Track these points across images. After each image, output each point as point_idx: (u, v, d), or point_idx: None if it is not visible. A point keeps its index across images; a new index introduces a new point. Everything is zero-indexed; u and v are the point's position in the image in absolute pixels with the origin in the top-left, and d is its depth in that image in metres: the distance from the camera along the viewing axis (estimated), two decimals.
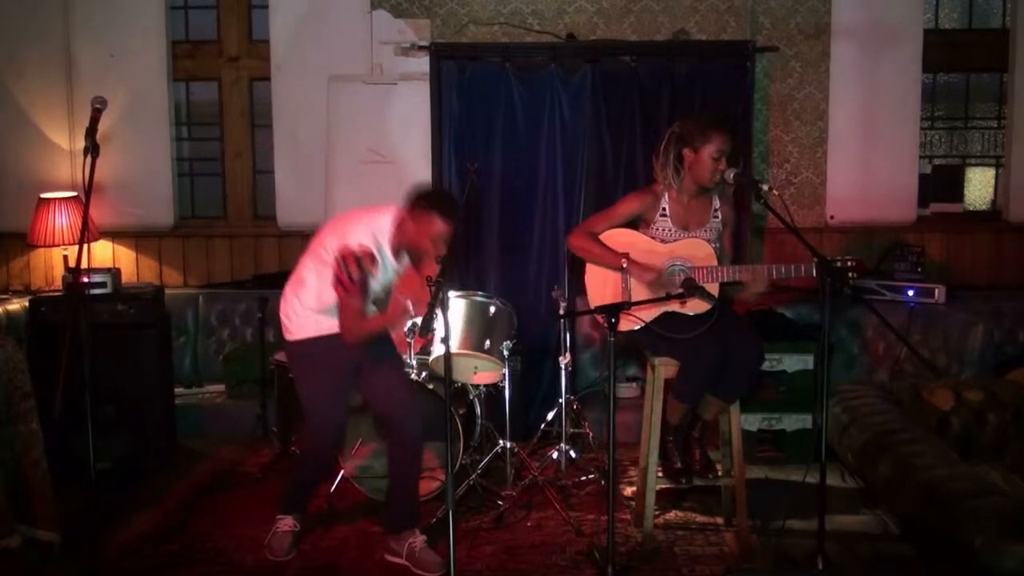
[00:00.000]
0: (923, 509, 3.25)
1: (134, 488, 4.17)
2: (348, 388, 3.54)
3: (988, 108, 5.75)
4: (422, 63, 5.12)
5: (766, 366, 4.22)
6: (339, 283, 3.27)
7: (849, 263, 3.16)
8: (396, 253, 3.38)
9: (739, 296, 3.54)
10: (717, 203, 3.60)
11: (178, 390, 4.99)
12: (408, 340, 4.10)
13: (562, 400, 4.26)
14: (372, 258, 3.28)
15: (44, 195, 5.08)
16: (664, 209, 3.54)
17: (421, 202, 3.29)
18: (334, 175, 5.24)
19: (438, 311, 3.01)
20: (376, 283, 3.36)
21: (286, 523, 3.58)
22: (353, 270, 3.25)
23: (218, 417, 4.95)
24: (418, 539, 3.47)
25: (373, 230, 3.32)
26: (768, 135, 5.32)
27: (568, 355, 4.31)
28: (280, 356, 4.44)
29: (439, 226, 3.26)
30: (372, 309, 3.45)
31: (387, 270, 3.38)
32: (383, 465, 4.12)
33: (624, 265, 3.46)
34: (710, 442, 3.74)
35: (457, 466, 3.92)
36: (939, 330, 4.63)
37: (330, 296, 3.34)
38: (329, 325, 3.39)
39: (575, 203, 4.97)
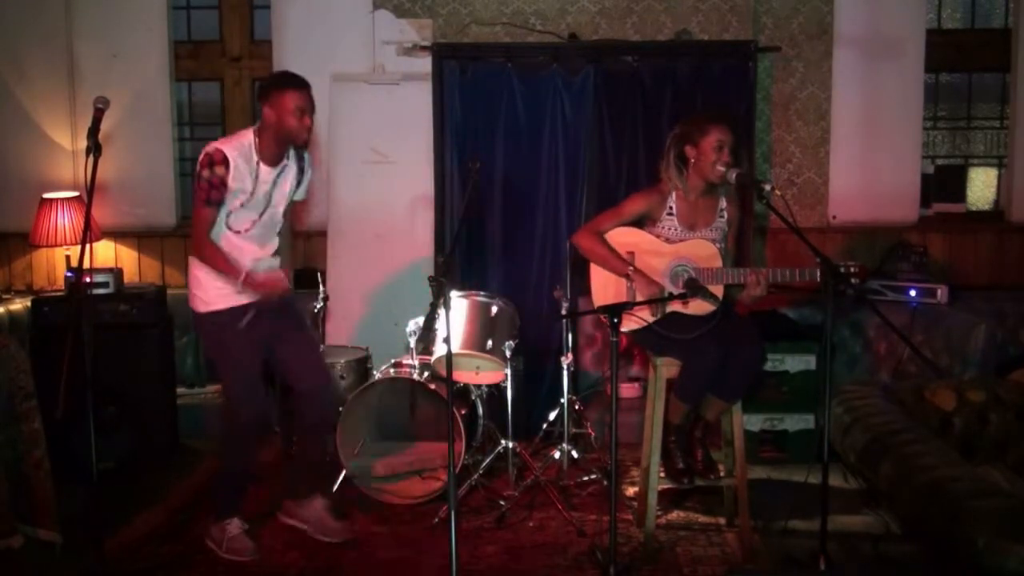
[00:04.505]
0: (925, 509, 3.24)
1: (136, 488, 4.17)
2: (261, 361, 3.51)
3: (991, 108, 5.75)
4: (424, 63, 5.11)
5: (768, 366, 4.23)
6: (194, 191, 3.29)
7: (852, 269, 3.15)
8: (278, 155, 3.39)
9: (738, 298, 3.55)
10: (723, 203, 3.60)
11: (180, 390, 4.99)
12: (411, 346, 4.10)
13: (564, 400, 4.25)
14: (224, 162, 3.26)
15: (46, 195, 5.08)
16: (671, 208, 3.54)
17: (267, 90, 3.34)
18: (336, 175, 5.24)
19: (440, 311, 3.00)
20: (246, 193, 3.32)
21: (235, 525, 3.52)
22: (203, 171, 3.25)
23: (220, 417, 4.94)
24: (321, 502, 3.57)
25: (236, 143, 3.33)
26: (770, 135, 5.31)
27: (570, 355, 4.30)
28: None
29: (293, 97, 3.30)
30: (252, 228, 3.41)
31: (271, 183, 3.39)
32: (386, 465, 4.13)
33: (629, 272, 3.47)
34: (712, 442, 3.74)
35: (459, 466, 3.91)
36: (941, 330, 4.62)
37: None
38: (236, 295, 3.38)
39: (577, 203, 4.96)
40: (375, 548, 3.58)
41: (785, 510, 3.68)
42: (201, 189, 3.28)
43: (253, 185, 3.34)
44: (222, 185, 3.28)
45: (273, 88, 3.34)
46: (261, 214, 3.41)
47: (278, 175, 3.43)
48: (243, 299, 3.40)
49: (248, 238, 3.42)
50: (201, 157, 3.29)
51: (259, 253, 3.47)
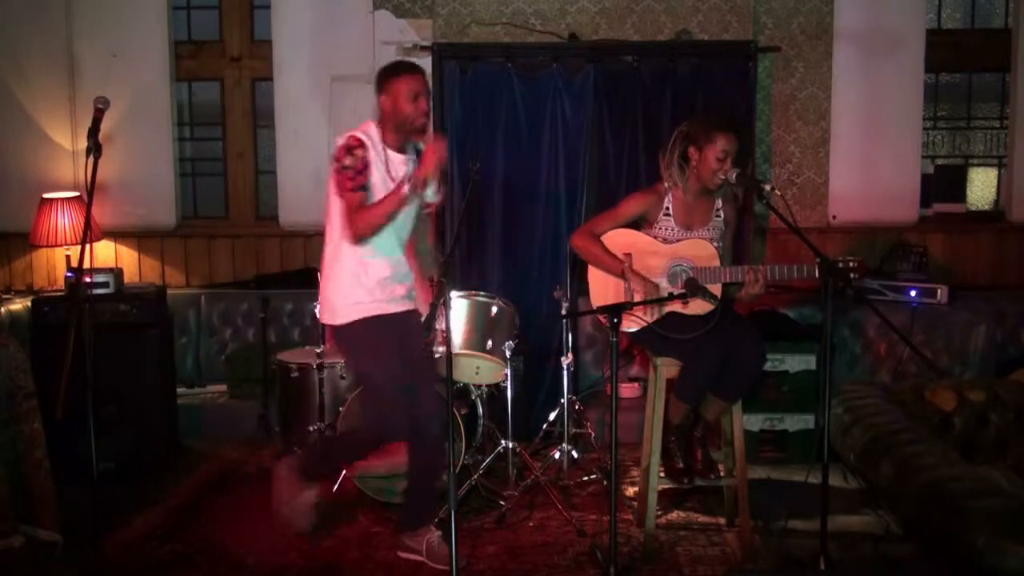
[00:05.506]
0: (925, 509, 3.24)
1: (136, 488, 4.17)
2: (406, 366, 3.38)
3: (991, 108, 5.75)
4: (424, 63, 5.09)
5: (768, 366, 4.22)
6: (336, 185, 3.23)
7: (851, 263, 3.16)
8: (400, 146, 3.34)
9: (736, 296, 3.54)
10: (719, 203, 3.60)
11: (180, 390, 4.99)
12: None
13: (564, 400, 4.26)
14: (361, 144, 3.22)
15: (47, 195, 5.08)
16: (667, 208, 3.54)
17: (381, 79, 3.31)
18: None
19: (440, 311, 3.01)
20: (381, 180, 3.26)
21: (312, 493, 3.55)
22: (345, 160, 3.18)
23: (220, 417, 4.95)
24: (434, 534, 3.47)
25: (363, 131, 3.28)
26: (771, 135, 5.32)
27: (570, 355, 4.31)
28: (282, 356, 4.45)
29: (407, 82, 3.26)
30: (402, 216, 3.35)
31: (404, 171, 3.31)
32: (386, 465, 4.12)
33: (623, 271, 3.47)
34: (712, 442, 3.74)
35: (459, 466, 3.92)
36: (941, 330, 4.63)
37: (357, 262, 3.27)
38: (370, 304, 3.30)
39: (577, 203, 4.97)
40: (375, 548, 3.58)
41: (785, 510, 3.68)
42: (346, 178, 3.18)
43: (385, 171, 3.28)
44: (366, 168, 3.21)
45: (387, 76, 3.30)
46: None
47: (411, 164, 3.35)
48: (375, 310, 3.32)
49: (382, 235, 3.30)
50: (339, 147, 3.21)
51: (396, 252, 3.37)
